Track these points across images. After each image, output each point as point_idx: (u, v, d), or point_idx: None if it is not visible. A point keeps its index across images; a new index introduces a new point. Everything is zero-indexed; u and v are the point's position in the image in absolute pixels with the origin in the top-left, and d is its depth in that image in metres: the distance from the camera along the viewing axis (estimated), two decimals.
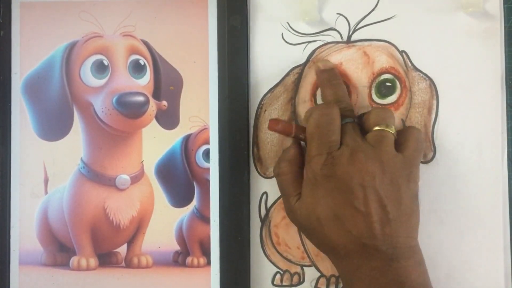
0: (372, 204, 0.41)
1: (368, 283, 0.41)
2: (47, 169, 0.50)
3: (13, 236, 0.50)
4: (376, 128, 0.44)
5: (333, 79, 0.47)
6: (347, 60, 0.49)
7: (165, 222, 0.50)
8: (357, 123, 0.45)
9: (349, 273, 0.42)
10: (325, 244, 0.44)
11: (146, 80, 0.50)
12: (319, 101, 0.49)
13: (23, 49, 0.51)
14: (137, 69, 0.50)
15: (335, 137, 0.43)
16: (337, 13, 0.50)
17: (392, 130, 0.44)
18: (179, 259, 0.50)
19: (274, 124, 0.46)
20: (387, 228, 0.41)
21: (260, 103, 0.50)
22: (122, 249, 0.50)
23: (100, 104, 0.50)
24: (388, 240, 0.41)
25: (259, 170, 0.50)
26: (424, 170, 0.48)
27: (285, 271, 0.49)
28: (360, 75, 0.49)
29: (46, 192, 0.50)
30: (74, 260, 0.50)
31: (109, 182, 0.50)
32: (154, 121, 0.50)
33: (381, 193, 0.41)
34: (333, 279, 0.49)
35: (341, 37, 0.50)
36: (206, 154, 0.50)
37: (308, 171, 0.44)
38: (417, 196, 0.44)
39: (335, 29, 0.50)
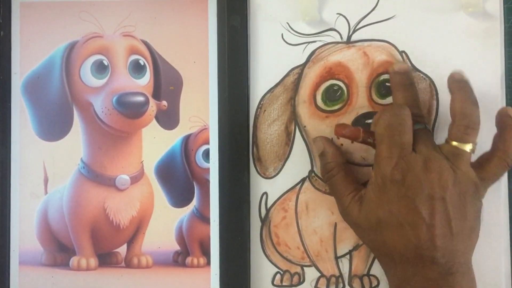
0: (438, 216, 0.40)
1: None
2: (47, 169, 0.50)
3: (13, 236, 0.50)
4: (455, 143, 0.42)
5: (406, 82, 0.46)
6: (347, 61, 0.49)
7: (165, 222, 0.50)
8: (429, 130, 0.44)
9: (402, 280, 0.42)
10: (380, 248, 0.43)
11: (146, 80, 0.50)
12: (319, 101, 0.49)
13: (23, 49, 0.51)
14: (137, 69, 0.50)
15: (407, 139, 0.42)
16: (337, 13, 0.50)
17: (471, 149, 0.42)
18: (179, 259, 0.50)
19: (341, 128, 0.45)
20: (448, 242, 0.40)
21: (259, 103, 0.50)
22: (122, 249, 0.50)
23: (100, 104, 0.50)
24: (447, 253, 0.40)
25: (259, 170, 0.50)
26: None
27: (285, 271, 0.49)
28: (360, 75, 0.49)
29: (46, 192, 0.50)
30: (74, 260, 0.50)
31: (109, 182, 0.50)
32: (154, 121, 0.50)
33: (449, 207, 0.40)
34: (333, 279, 0.49)
35: (341, 37, 0.50)
36: (206, 154, 0.50)
37: (377, 173, 0.43)
38: (480, 212, 0.43)
39: (335, 29, 0.50)
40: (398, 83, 0.46)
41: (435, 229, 0.40)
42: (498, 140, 0.44)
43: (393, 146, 0.42)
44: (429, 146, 0.42)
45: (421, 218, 0.40)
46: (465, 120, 0.42)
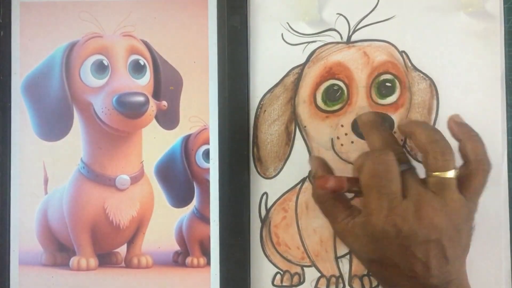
0: (432, 255, 0.40)
1: None
2: (47, 169, 0.50)
3: (13, 236, 0.50)
4: (436, 174, 0.41)
5: (377, 124, 0.45)
6: (347, 61, 0.49)
7: (165, 222, 0.50)
8: (414, 167, 0.43)
9: None
10: (373, 273, 0.45)
11: (146, 80, 0.50)
12: (319, 101, 0.49)
13: (23, 49, 0.51)
14: (137, 69, 0.50)
15: (396, 188, 0.40)
16: (337, 13, 0.50)
17: (453, 174, 0.41)
18: (179, 259, 0.50)
19: (323, 182, 0.42)
20: (444, 268, 0.40)
21: (259, 103, 0.50)
22: (122, 249, 0.50)
23: (100, 104, 0.50)
24: (442, 276, 0.40)
25: (259, 170, 0.50)
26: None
27: (285, 272, 0.49)
28: (360, 76, 0.49)
29: (46, 192, 0.50)
30: (74, 260, 0.50)
31: (109, 182, 0.50)
32: (154, 121, 0.50)
33: (444, 243, 0.40)
34: (333, 280, 0.49)
35: (341, 38, 0.50)
36: (206, 154, 0.50)
37: (366, 225, 0.41)
38: (474, 227, 0.43)
39: (335, 30, 0.50)
40: (370, 127, 0.45)
41: (431, 264, 0.40)
42: (465, 152, 0.43)
43: (381, 197, 0.40)
44: (417, 187, 0.41)
45: (416, 259, 0.40)
46: (438, 147, 0.41)
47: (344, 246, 0.47)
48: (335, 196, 0.44)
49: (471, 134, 0.43)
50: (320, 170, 0.46)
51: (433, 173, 0.41)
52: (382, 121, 0.46)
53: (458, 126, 0.44)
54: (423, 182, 0.42)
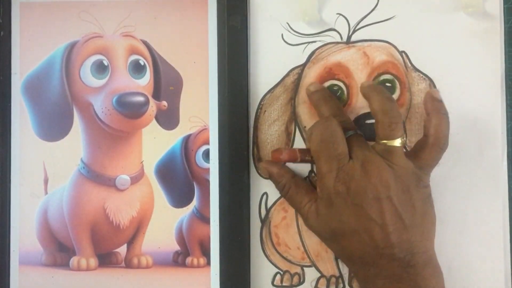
0: (387, 215, 0.41)
1: None
2: (47, 169, 0.50)
3: (13, 236, 0.50)
4: (383, 141, 0.43)
5: (325, 95, 0.47)
6: (347, 61, 0.49)
7: (165, 222, 0.50)
8: (360, 134, 0.45)
9: (367, 282, 0.42)
10: (341, 254, 0.45)
11: (146, 80, 0.50)
12: None
13: (23, 49, 0.51)
14: (137, 69, 0.50)
15: (342, 149, 0.43)
16: (337, 13, 0.50)
17: (401, 143, 0.43)
18: (179, 259, 0.50)
19: (277, 154, 0.46)
20: (404, 235, 0.41)
21: (260, 104, 0.50)
22: (122, 249, 0.50)
23: (100, 104, 0.50)
24: (404, 246, 0.41)
25: (259, 170, 0.50)
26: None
27: (285, 272, 0.49)
28: (360, 76, 0.49)
29: (46, 192, 0.50)
30: (74, 260, 0.50)
31: (109, 182, 0.50)
32: (154, 121, 0.50)
33: (396, 202, 0.41)
34: (333, 280, 0.49)
35: (341, 38, 0.50)
36: (206, 154, 0.50)
37: (321, 188, 0.43)
38: (430, 197, 0.44)
39: (335, 30, 0.50)
40: (318, 98, 0.47)
41: (388, 227, 0.41)
42: (428, 125, 0.44)
43: (330, 160, 0.42)
44: (363, 150, 0.43)
45: (372, 220, 0.41)
46: (387, 117, 0.43)
47: (312, 234, 0.47)
48: (296, 182, 0.46)
49: (440, 111, 0.44)
50: (271, 168, 0.47)
51: (381, 141, 0.43)
52: (330, 94, 0.48)
53: (432, 100, 0.45)
54: (371, 147, 0.44)
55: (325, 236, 0.44)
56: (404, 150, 0.44)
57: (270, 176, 0.47)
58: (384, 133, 0.43)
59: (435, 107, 0.45)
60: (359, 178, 0.41)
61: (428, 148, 0.44)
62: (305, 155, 0.45)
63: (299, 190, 0.46)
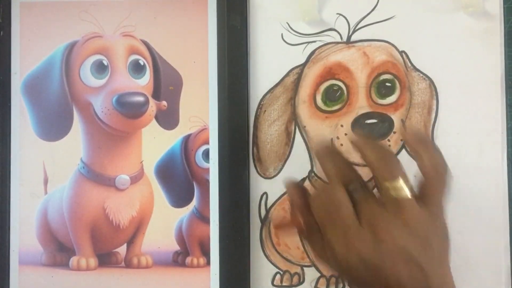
0: (406, 275, 0.38)
1: None
2: (47, 169, 0.50)
3: (13, 236, 0.50)
4: (386, 184, 0.39)
5: (331, 153, 0.43)
6: (347, 61, 0.49)
7: (165, 222, 0.50)
8: (365, 186, 0.42)
9: None
10: None
11: (146, 80, 0.50)
12: (319, 101, 0.49)
13: (23, 49, 0.51)
14: (137, 69, 0.50)
15: (350, 221, 0.39)
16: (337, 13, 0.50)
17: (408, 189, 0.39)
18: (179, 259, 0.50)
19: (278, 226, 0.47)
20: (424, 282, 0.38)
21: (260, 103, 0.50)
22: (122, 249, 0.50)
23: (100, 104, 0.50)
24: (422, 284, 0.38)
25: (259, 170, 0.50)
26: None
27: (285, 272, 0.49)
28: (359, 76, 0.49)
29: (46, 192, 0.50)
30: (74, 260, 0.50)
31: (109, 182, 0.50)
32: (154, 121, 0.50)
33: (415, 260, 0.38)
34: (333, 280, 0.49)
35: (341, 38, 0.50)
36: (206, 154, 0.50)
37: (335, 262, 0.40)
38: (446, 228, 0.41)
39: (335, 30, 0.50)
40: (323, 156, 0.43)
41: (409, 284, 0.38)
42: (422, 164, 0.40)
43: (337, 229, 0.39)
44: (373, 211, 0.39)
45: (391, 280, 0.38)
46: (382, 162, 0.39)
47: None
48: (308, 229, 0.42)
49: (427, 145, 0.41)
50: (296, 197, 0.43)
51: (384, 183, 0.39)
52: (334, 148, 0.46)
53: (419, 142, 0.41)
54: (378, 201, 0.40)
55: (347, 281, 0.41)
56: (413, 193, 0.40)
57: (291, 204, 0.44)
58: (383, 176, 0.39)
59: (420, 143, 0.41)
60: (372, 247, 0.38)
61: (432, 186, 0.40)
62: (309, 219, 0.42)
63: (311, 235, 0.42)
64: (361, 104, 0.49)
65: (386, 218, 0.39)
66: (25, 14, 0.51)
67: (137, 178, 0.50)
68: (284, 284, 0.49)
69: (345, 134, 0.49)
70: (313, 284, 0.49)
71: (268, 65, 0.50)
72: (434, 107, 0.49)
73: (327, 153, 0.43)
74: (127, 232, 0.50)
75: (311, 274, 0.49)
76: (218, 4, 0.50)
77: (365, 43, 0.49)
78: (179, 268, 0.50)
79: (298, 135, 0.50)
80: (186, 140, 0.50)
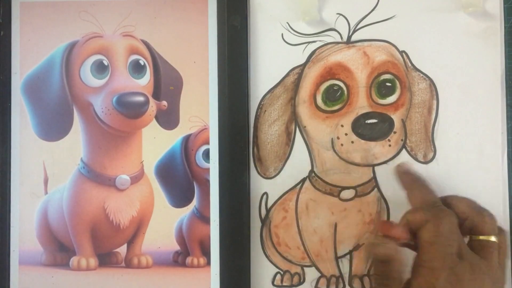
0: None
1: None
2: (47, 169, 0.50)
3: (13, 236, 0.50)
4: (482, 237, 0.41)
5: (418, 177, 0.45)
6: (347, 61, 0.49)
7: (165, 222, 0.50)
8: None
9: None
10: None
11: (146, 80, 0.50)
12: (319, 101, 0.49)
13: (23, 49, 0.51)
14: (137, 69, 0.50)
15: (456, 248, 0.40)
16: (337, 13, 0.50)
17: (496, 239, 0.42)
18: (179, 259, 0.50)
19: (387, 228, 0.41)
20: None
21: (260, 103, 0.50)
22: (122, 249, 0.50)
23: (100, 104, 0.50)
24: None
25: (259, 170, 0.50)
26: (424, 170, 0.48)
27: (286, 272, 0.49)
28: (360, 75, 0.49)
29: (46, 192, 0.50)
30: (74, 260, 0.50)
31: (109, 182, 0.50)
32: (154, 121, 0.50)
33: None
34: (333, 279, 0.49)
35: (341, 38, 0.50)
36: (206, 154, 0.50)
37: (421, 283, 0.40)
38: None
39: (335, 30, 0.50)
40: (411, 180, 0.45)
41: None
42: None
43: (446, 257, 0.39)
44: (468, 249, 0.41)
45: None
46: (482, 212, 0.42)
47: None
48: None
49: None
50: (396, 256, 0.41)
51: (479, 237, 0.41)
52: (419, 174, 0.45)
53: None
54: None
55: None
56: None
57: (385, 261, 0.41)
58: (483, 228, 0.41)
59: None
60: (467, 282, 0.39)
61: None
62: (409, 238, 0.41)
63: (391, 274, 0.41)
64: (361, 104, 0.49)
65: (478, 258, 0.40)
66: (25, 14, 0.51)
67: (137, 178, 0.50)
68: (284, 284, 0.49)
69: (345, 134, 0.49)
70: (314, 284, 0.49)
71: (268, 65, 0.50)
72: (434, 107, 0.49)
73: (414, 179, 0.44)
74: (127, 232, 0.50)
75: (311, 274, 0.49)
76: (218, 4, 0.50)
77: (365, 43, 0.49)
78: (179, 268, 0.50)
79: (298, 135, 0.50)
80: (186, 140, 0.50)
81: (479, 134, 0.49)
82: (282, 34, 0.50)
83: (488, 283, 0.40)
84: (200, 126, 0.50)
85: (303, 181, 0.50)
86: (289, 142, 0.50)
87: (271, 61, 0.50)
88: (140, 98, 0.49)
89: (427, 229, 0.40)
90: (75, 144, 0.50)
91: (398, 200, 0.46)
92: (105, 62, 0.50)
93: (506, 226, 0.48)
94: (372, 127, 0.47)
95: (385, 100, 0.49)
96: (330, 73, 0.49)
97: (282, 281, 0.49)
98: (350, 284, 0.49)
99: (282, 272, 0.49)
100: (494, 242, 0.41)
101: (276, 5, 0.50)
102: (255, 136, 0.50)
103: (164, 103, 0.50)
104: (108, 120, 0.50)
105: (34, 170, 0.50)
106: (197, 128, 0.50)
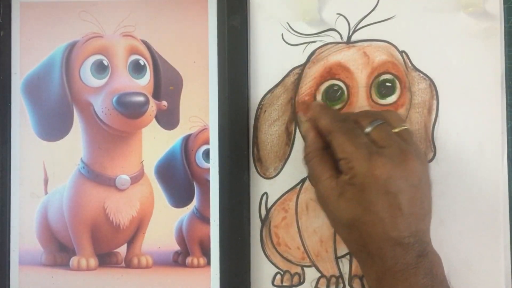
0: (417, 204, 0.41)
1: (402, 281, 0.40)
2: (47, 169, 0.50)
3: (13, 236, 0.50)
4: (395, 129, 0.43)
5: (324, 107, 0.48)
6: (347, 61, 0.49)
7: (165, 222, 0.50)
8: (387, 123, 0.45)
9: (382, 273, 0.41)
10: (356, 244, 0.43)
11: (146, 80, 0.50)
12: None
13: (23, 49, 0.51)
14: (137, 69, 0.50)
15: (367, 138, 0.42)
16: (337, 13, 0.50)
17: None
18: (179, 259, 0.50)
19: (304, 108, 0.47)
20: (421, 224, 0.41)
21: (260, 104, 0.50)
22: (122, 249, 0.50)
23: (100, 104, 0.50)
24: (418, 237, 0.41)
25: (259, 170, 0.50)
26: None
27: (285, 272, 0.49)
28: (360, 76, 0.49)
29: (46, 192, 0.50)
30: (74, 260, 0.50)
31: (109, 182, 0.50)
32: (154, 121, 0.50)
33: (422, 191, 0.41)
34: (333, 280, 0.49)
35: (341, 38, 0.50)
36: (206, 154, 0.50)
37: (354, 174, 0.41)
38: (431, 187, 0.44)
39: (335, 30, 0.50)
40: (318, 111, 0.46)
41: (413, 216, 0.41)
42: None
43: (359, 146, 0.42)
44: (395, 137, 0.42)
45: (400, 209, 0.40)
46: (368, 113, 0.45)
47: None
48: (322, 155, 0.44)
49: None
50: (308, 131, 0.46)
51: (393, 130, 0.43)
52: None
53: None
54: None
55: (343, 222, 0.42)
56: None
57: (304, 137, 0.48)
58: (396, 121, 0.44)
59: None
60: (398, 164, 0.40)
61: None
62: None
63: (323, 163, 0.44)
64: (361, 104, 0.49)
65: (404, 143, 0.42)
66: (25, 14, 0.51)
67: (137, 178, 0.50)
68: (284, 284, 0.49)
69: None
70: (314, 284, 0.49)
71: (268, 65, 0.50)
72: (434, 107, 0.49)
73: (320, 108, 0.46)
74: (127, 232, 0.50)
75: (311, 274, 0.49)
76: (218, 4, 0.50)
77: (365, 43, 0.49)
78: (179, 268, 0.50)
79: (298, 135, 0.50)
80: (186, 140, 0.50)
81: (479, 134, 0.49)
82: (282, 34, 0.50)
83: (420, 165, 0.41)
84: (200, 126, 0.50)
85: (303, 181, 0.50)
86: (289, 142, 0.50)
87: (271, 61, 0.50)
88: (140, 98, 0.49)
89: (335, 138, 0.43)
90: (75, 144, 0.50)
91: None
92: (105, 62, 0.50)
93: (506, 226, 0.48)
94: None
95: (385, 100, 0.49)
96: (330, 73, 0.49)
97: (282, 281, 0.49)
98: (350, 284, 0.49)
99: (282, 272, 0.49)
100: (408, 129, 0.43)
101: (276, 5, 0.50)
102: (255, 136, 0.50)
103: (164, 103, 0.50)
104: (108, 120, 0.50)
105: (34, 170, 0.50)
106: (197, 128, 0.50)
